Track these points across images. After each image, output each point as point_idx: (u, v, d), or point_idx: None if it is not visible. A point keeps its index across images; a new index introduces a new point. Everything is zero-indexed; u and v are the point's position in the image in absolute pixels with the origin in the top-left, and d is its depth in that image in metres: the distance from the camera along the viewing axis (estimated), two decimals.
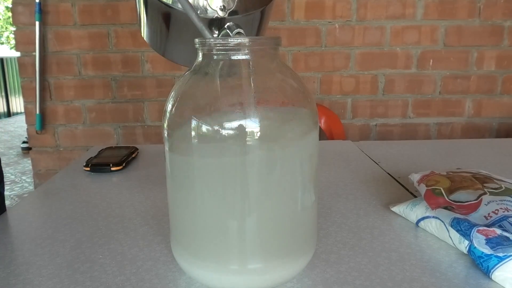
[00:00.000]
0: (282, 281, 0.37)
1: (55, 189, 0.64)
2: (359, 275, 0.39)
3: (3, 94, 6.60)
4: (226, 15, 0.47)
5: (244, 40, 0.34)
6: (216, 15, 0.46)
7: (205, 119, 0.33)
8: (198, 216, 0.35)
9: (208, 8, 0.46)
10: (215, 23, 0.47)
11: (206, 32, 0.37)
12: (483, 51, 1.84)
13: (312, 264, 0.41)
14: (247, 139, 0.32)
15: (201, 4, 0.46)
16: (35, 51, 1.73)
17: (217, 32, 0.45)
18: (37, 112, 1.80)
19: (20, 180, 3.13)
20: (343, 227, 0.49)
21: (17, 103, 6.81)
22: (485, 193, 0.45)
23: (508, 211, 0.41)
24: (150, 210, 0.55)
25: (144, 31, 0.56)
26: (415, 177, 0.54)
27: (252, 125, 0.32)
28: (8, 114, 6.68)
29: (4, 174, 0.54)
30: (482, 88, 1.88)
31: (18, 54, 1.79)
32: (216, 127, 0.33)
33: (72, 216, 0.54)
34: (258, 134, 0.33)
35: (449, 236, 0.43)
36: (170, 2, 0.47)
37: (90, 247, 0.45)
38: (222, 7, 0.46)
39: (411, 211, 0.50)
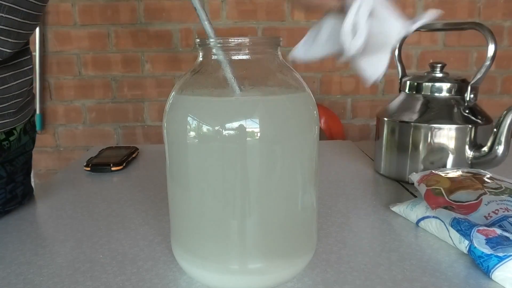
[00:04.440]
0: (282, 281, 0.37)
1: (55, 189, 0.65)
2: (359, 275, 0.39)
3: None
4: None
5: (245, 40, 0.34)
6: None
7: (205, 119, 0.34)
8: (198, 216, 0.35)
9: None
10: None
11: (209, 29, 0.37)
12: (483, 51, 1.83)
13: (312, 264, 0.41)
14: (248, 139, 0.33)
15: None
16: (35, 51, 1.73)
17: None
18: (37, 112, 1.80)
19: None
20: (343, 227, 0.49)
21: None
22: (485, 193, 0.45)
23: (508, 211, 0.42)
24: (150, 210, 0.55)
25: None
26: (415, 177, 0.54)
27: (253, 125, 0.33)
28: None
29: (4, 174, 0.55)
30: (482, 88, 1.88)
31: None
32: (216, 127, 0.33)
33: (72, 216, 0.54)
34: (259, 134, 0.33)
35: (449, 236, 0.43)
36: None
37: (91, 247, 0.45)
38: None
39: (411, 211, 0.50)
